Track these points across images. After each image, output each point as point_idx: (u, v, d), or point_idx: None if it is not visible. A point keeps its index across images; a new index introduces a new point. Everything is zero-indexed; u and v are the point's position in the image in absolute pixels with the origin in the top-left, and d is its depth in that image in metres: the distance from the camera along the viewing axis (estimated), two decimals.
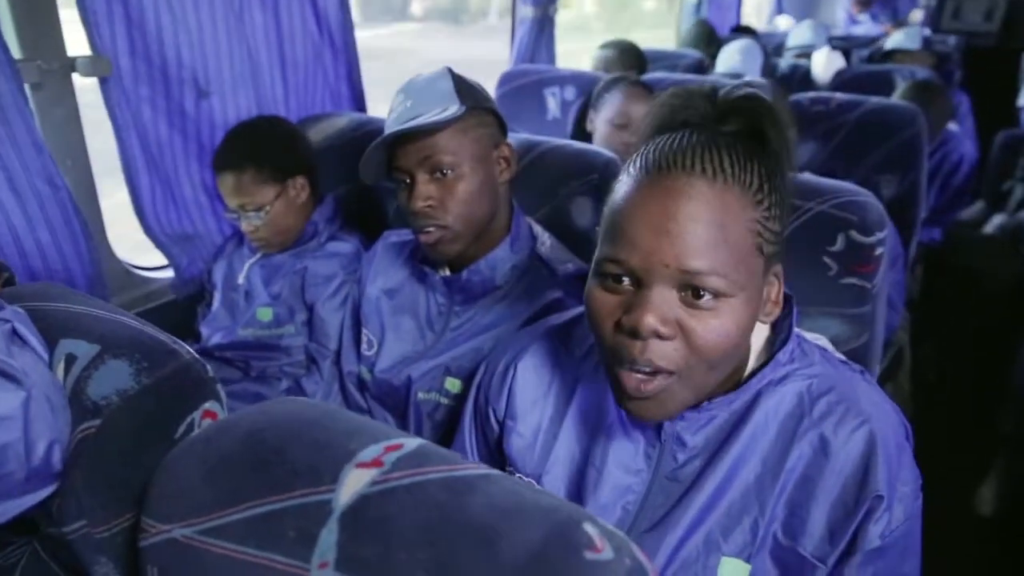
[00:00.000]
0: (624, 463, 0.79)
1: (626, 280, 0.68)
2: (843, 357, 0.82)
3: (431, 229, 1.09)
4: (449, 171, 1.07)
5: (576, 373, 0.86)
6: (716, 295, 0.66)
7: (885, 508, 0.70)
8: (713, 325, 0.66)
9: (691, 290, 0.66)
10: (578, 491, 0.82)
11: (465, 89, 1.10)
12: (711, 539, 0.74)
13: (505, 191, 1.15)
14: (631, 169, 0.70)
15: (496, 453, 0.92)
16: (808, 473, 0.73)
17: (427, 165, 1.07)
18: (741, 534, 0.73)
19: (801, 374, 0.76)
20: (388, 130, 1.08)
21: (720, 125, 0.71)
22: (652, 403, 0.69)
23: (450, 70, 1.12)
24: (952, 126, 2.69)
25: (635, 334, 0.66)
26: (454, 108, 1.06)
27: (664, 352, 0.67)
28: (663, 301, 0.66)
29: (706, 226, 0.64)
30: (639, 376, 0.68)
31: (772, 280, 0.72)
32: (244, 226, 1.44)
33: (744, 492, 0.74)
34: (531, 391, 0.88)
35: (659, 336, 0.66)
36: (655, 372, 0.67)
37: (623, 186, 0.70)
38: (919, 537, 0.75)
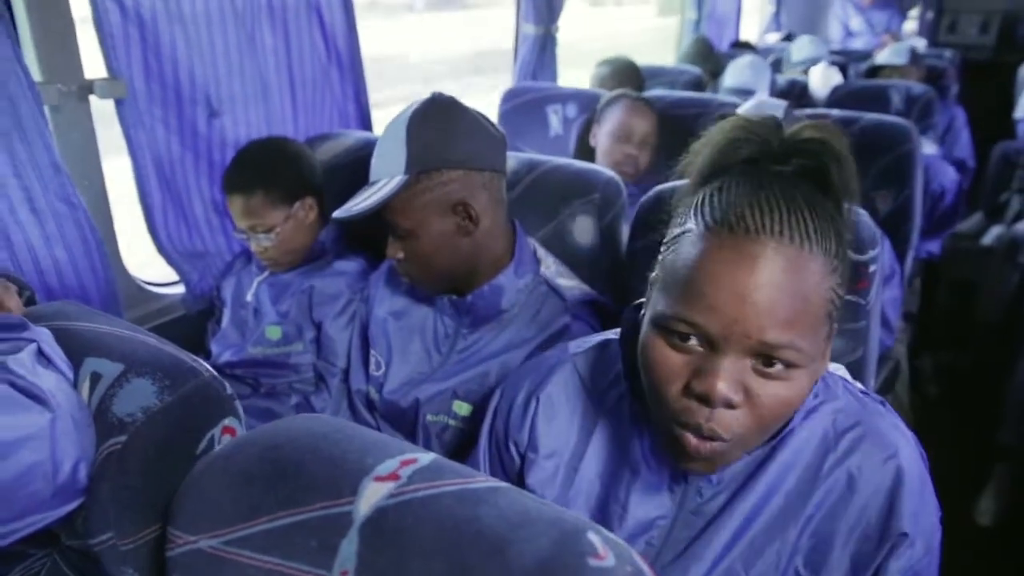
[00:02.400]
0: (648, 499, 0.78)
1: (694, 340, 0.65)
2: (862, 387, 0.81)
3: (405, 278, 1.21)
4: (404, 232, 1.13)
5: (598, 406, 0.84)
6: (787, 365, 0.64)
7: (908, 545, 0.71)
8: (780, 394, 0.65)
9: (763, 358, 0.64)
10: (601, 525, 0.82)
11: (421, 148, 1.09)
12: (733, 571, 0.74)
13: (491, 232, 1.15)
14: (701, 217, 0.66)
15: (516, 482, 0.89)
16: (834, 509, 0.73)
17: (390, 225, 1.15)
18: (763, 566, 0.73)
19: (826, 408, 0.76)
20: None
21: (783, 162, 0.68)
22: (704, 463, 0.70)
23: (409, 120, 1.10)
24: (930, 149, 2.61)
25: (706, 401, 0.65)
26: (397, 180, 1.10)
27: (727, 422, 0.65)
28: (737, 370, 0.64)
29: (791, 298, 0.62)
30: (699, 440, 0.67)
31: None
32: (253, 246, 1.46)
33: (768, 526, 0.74)
34: (553, 423, 0.85)
35: (729, 405, 0.65)
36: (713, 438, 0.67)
37: (695, 238, 0.65)
38: (936, 570, 0.75)
